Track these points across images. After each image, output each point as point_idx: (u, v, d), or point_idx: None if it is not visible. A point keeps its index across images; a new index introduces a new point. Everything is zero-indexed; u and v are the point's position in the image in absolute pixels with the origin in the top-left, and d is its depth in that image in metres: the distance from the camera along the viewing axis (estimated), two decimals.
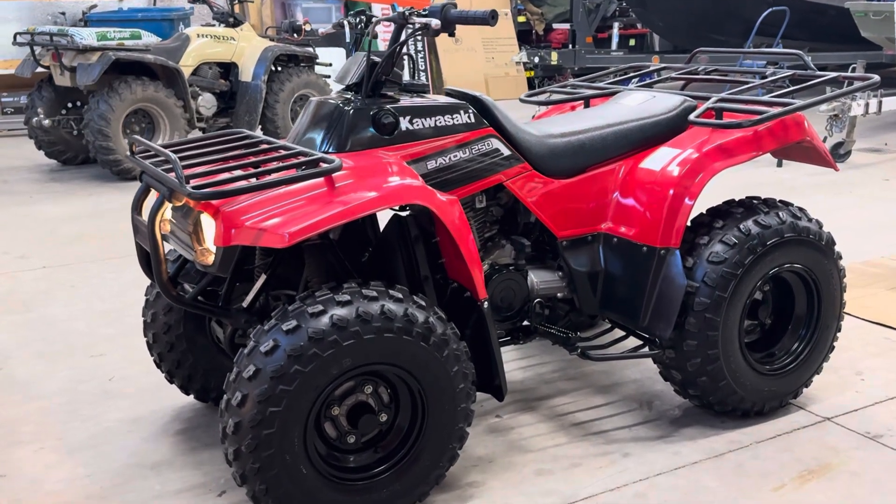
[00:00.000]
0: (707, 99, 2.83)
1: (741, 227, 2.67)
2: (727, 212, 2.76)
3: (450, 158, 2.52)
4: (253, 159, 2.32)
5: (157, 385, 3.04)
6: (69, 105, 7.69)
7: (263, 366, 2.04)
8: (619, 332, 2.92)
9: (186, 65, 7.70)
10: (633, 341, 2.86)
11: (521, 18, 13.97)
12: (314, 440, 2.17)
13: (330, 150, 2.38)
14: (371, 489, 2.23)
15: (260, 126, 7.99)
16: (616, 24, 11.96)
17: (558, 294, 2.83)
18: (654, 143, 2.83)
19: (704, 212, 2.83)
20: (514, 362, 3.34)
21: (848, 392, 3.04)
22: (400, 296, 2.19)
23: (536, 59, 10.66)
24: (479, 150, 2.58)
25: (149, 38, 7.31)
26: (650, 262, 2.66)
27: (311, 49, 8.38)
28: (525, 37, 14.29)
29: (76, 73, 6.96)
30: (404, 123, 2.45)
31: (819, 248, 2.79)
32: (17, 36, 7.39)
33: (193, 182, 2.11)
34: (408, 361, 2.18)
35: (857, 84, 2.90)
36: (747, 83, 3.10)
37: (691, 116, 2.71)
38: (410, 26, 2.48)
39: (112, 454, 2.70)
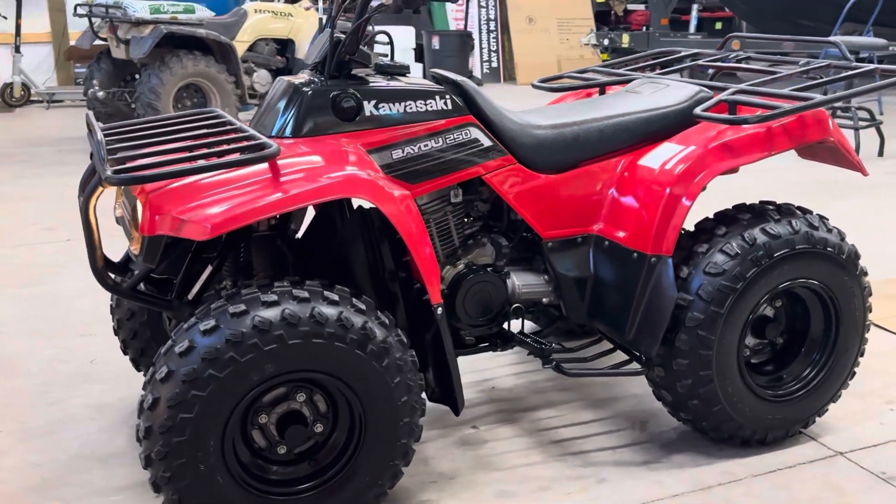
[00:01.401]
0: (726, 90, 2.54)
1: (745, 235, 2.38)
2: (733, 217, 2.47)
3: (419, 148, 2.31)
4: (198, 142, 2.16)
5: (133, 370, 2.93)
6: (127, 77, 7.74)
7: (176, 368, 1.89)
8: (608, 345, 2.67)
9: (242, 40, 7.65)
10: (622, 355, 2.61)
11: None
12: (238, 449, 2.02)
13: (286, 134, 2.21)
14: None
15: None
16: (695, 6, 11.40)
17: (543, 299, 2.59)
18: (660, 138, 2.55)
19: (711, 216, 2.55)
20: (507, 368, 3.12)
21: (871, 423, 2.71)
22: (336, 297, 2.00)
23: (606, 42, 10.24)
24: (454, 139, 2.36)
25: (203, 13, 7.28)
26: (640, 270, 2.40)
27: (369, 27, 8.20)
28: (604, 18, 13.84)
29: (130, 45, 6.99)
30: (368, 108, 2.26)
31: (838, 263, 2.47)
32: (77, 7, 7.47)
33: (130, 164, 1.98)
34: (341, 370, 1.99)
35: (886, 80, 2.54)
36: (777, 73, 2.78)
37: (697, 110, 2.43)
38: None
39: (67, 443, 2.61)
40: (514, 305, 2.53)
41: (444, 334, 2.19)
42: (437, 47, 11.44)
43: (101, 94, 7.39)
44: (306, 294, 1.97)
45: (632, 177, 2.50)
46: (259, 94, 7.78)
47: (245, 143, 2.05)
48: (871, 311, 2.60)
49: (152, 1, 7.04)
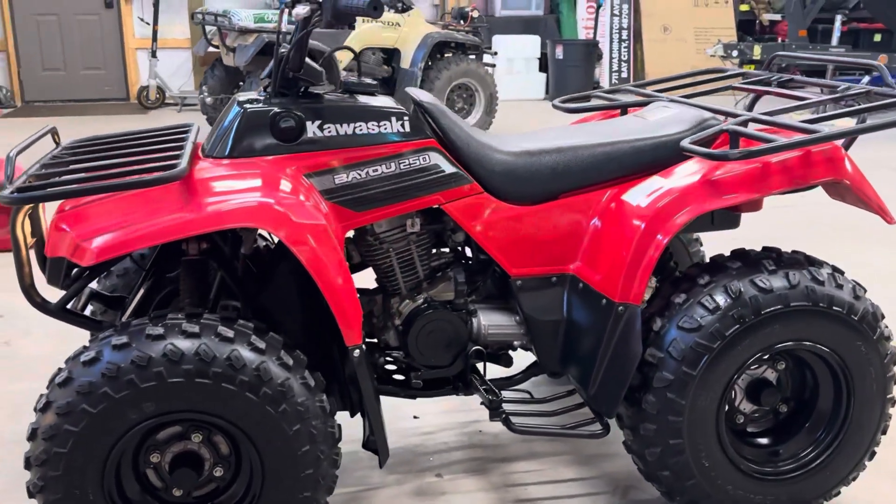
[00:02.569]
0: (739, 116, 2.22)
1: (730, 286, 2.07)
2: (721, 265, 2.15)
3: (367, 173, 2.15)
4: (124, 159, 2.07)
5: None
6: (239, 84, 7.94)
7: (54, 399, 1.81)
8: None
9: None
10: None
11: (744, 7, 12.77)
12: (128, 487, 1.92)
13: (221, 154, 2.09)
14: None
15: None
16: (838, 17, 10.50)
17: (515, 342, 2.36)
18: (654, 169, 2.27)
19: (707, 261, 2.23)
20: None
21: None
22: (231, 334, 1.86)
23: (735, 53, 9.59)
24: (410, 164, 2.18)
25: None
26: (607, 319, 2.13)
27: (476, 37, 8.07)
28: (748, 27, 13.07)
29: (235, 53, 7.17)
30: (312, 129, 2.11)
31: (849, 325, 2.10)
32: (194, 15, 7.75)
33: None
34: (230, 414, 1.85)
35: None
36: (808, 99, 2.41)
37: (684, 141, 2.13)
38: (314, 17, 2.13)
39: None
40: (474, 348, 2.31)
41: (363, 379, 2.01)
42: (560, 57, 11.15)
43: (209, 99, 7.63)
44: (196, 329, 1.84)
45: (612, 213, 2.23)
46: None
47: (157, 164, 1.94)
48: None
49: (257, 10, 7.18)
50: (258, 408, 1.85)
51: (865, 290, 2.15)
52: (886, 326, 2.16)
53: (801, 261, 2.15)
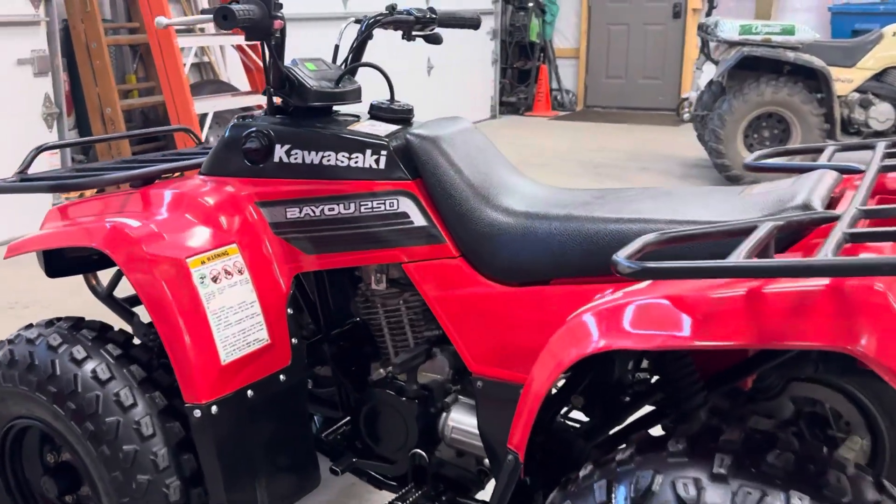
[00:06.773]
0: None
1: None
2: None
3: (322, 211, 1.83)
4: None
5: None
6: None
7: None
8: None
9: (866, 67, 6.45)
10: None
11: None
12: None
13: (204, 171, 1.98)
14: None
15: None
16: None
17: (486, 460, 1.79)
18: None
19: None
20: None
21: None
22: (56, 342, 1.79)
23: None
24: (373, 209, 1.79)
25: (805, 35, 6.33)
26: None
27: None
28: None
29: (717, 67, 6.59)
30: (279, 153, 1.87)
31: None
32: (700, 26, 7.30)
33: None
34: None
35: None
36: None
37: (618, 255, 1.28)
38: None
39: None
40: (415, 450, 1.81)
41: (199, 445, 1.71)
42: None
43: (685, 115, 7.17)
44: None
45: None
46: (873, 131, 6.46)
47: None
48: None
49: (746, 21, 6.45)
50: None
51: None
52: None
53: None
